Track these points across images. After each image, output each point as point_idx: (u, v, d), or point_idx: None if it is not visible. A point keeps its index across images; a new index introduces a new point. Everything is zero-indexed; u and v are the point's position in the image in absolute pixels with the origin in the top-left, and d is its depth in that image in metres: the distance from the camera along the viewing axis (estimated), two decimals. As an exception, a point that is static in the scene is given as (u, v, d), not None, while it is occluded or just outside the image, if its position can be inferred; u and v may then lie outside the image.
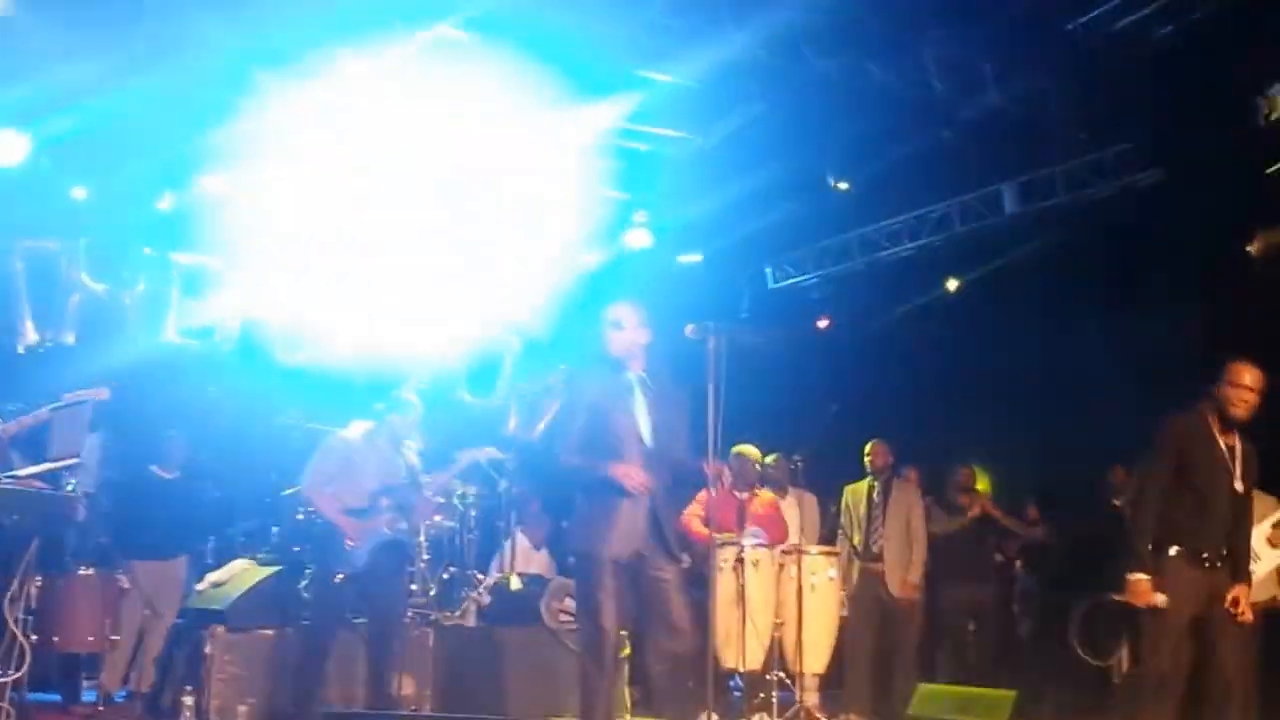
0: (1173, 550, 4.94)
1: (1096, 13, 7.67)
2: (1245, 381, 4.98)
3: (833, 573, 7.23)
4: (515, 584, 7.71)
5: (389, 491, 6.41)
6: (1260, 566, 5.56)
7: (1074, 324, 9.21)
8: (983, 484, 8.55)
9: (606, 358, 5.05)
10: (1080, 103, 8.49)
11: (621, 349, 5.02)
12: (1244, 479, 5.05)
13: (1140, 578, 4.87)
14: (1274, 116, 2.17)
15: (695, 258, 10.96)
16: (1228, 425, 5.05)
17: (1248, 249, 7.96)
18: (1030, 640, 8.39)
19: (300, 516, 7.30)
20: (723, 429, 4.97)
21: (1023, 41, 8.08)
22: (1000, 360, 9.50)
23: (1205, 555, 4.95)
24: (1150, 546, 4.94)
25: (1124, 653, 7.39)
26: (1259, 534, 5.48)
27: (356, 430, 6.57)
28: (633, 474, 4.80)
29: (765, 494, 7.62)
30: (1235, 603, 4.90)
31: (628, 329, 5.01)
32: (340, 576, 6.27)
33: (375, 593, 6.38)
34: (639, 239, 10.53)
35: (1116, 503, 7.59)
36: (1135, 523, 5.00)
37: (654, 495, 4.87)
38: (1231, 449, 5.06)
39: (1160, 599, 4.86)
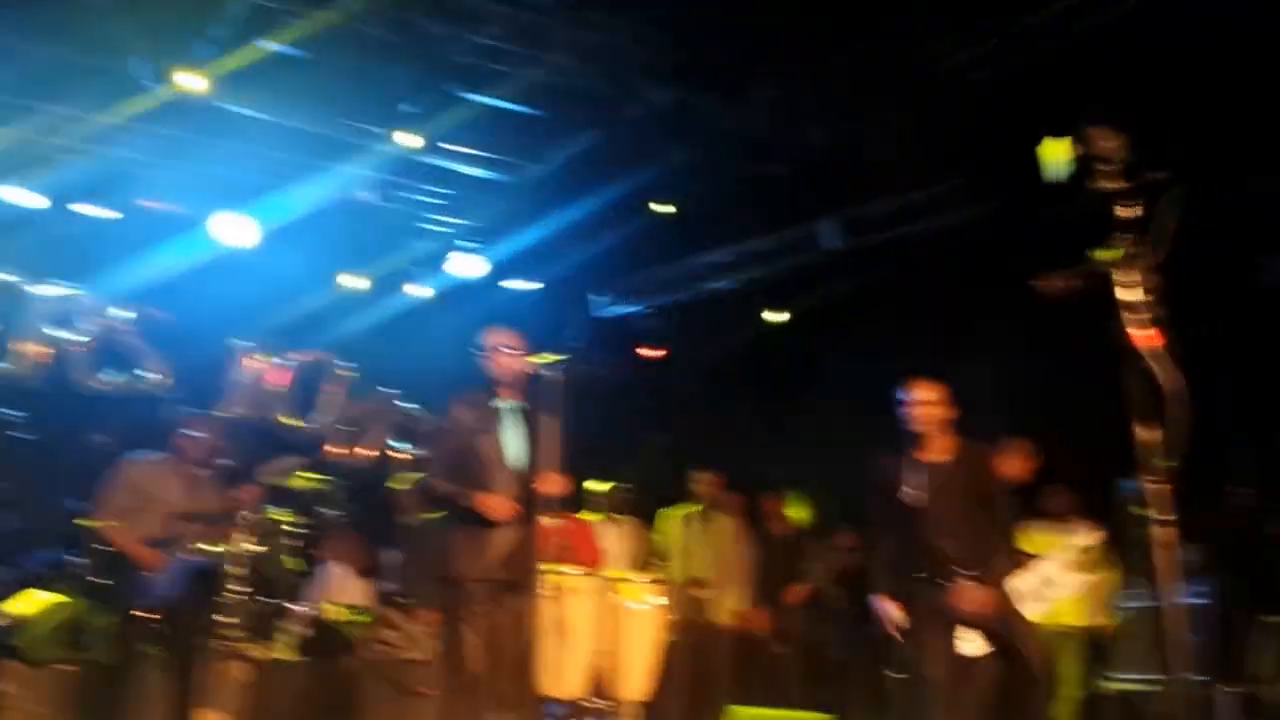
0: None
1: (924, 52, 7.99)
2: (917, 397, 5.16)
3: (656, 599, 7.28)
4: (333, 614, 7.50)
5: (195, 517, 6.16)
6: (1056, 591, 5.81)
7: (892, 359, 9.51)
8: (800, 511, 8.76)
9: (482, 384, 5.00)
10: (903, 141, 8.83)
11: (503, 375, 4.97)
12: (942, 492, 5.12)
13: (968, 585, 4.95)
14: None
15: (526, 285, 10.98)
16: (923, 444, 5.17)
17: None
18: (842, 663, 8.61)
19: (99, 546, 6.96)
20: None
21: (849, 79, 8.37)
22: (821, 393, 9.78)
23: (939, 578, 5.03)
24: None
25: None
26: (1057, 560, 5.72)
27: (153, 455, 6.31)
28: (497, 505, 4.77)
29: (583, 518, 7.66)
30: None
31: (510, 356, 4.98)
32: (141, 609, 5.98)
33: (178, 624, 6.12)
34: (468, 267, 10.50)
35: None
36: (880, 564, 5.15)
37: (523, 524, 4.84)
38: (936, 466, 5.14)
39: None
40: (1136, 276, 2.52)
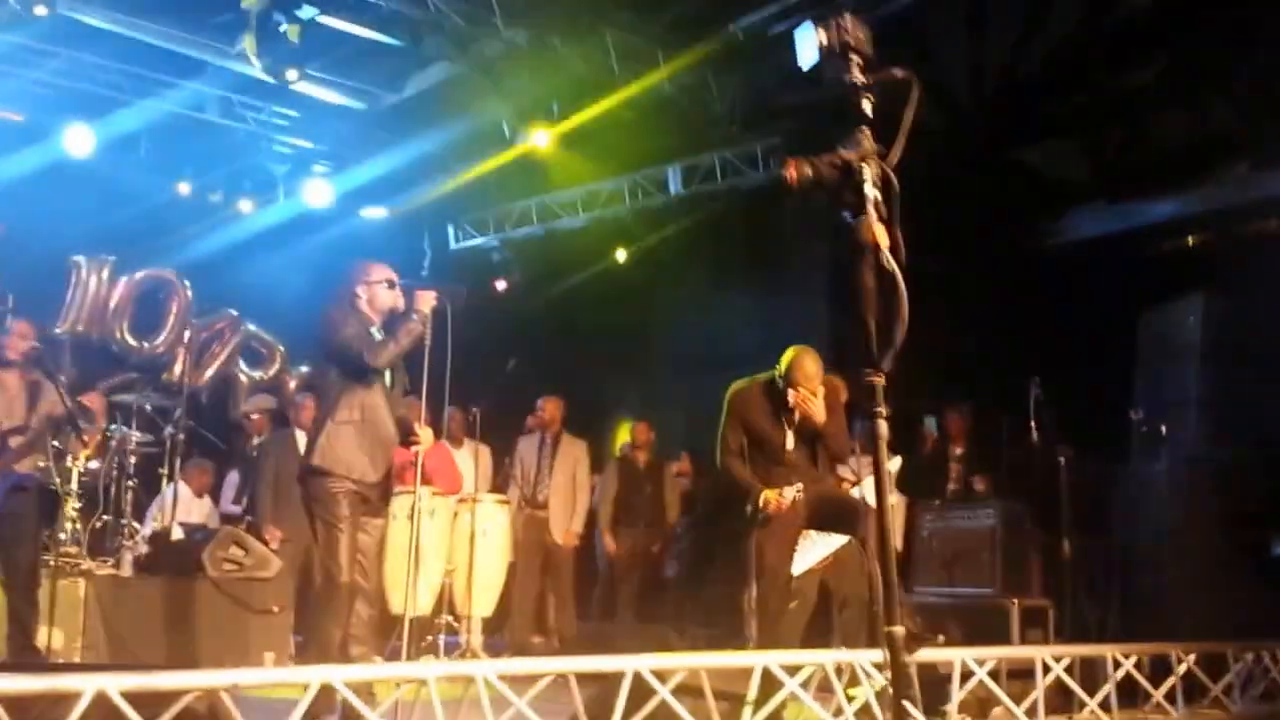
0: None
1: (755, 18, 8.45)
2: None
3: (503, 520, 7.60)
4: (176, 533, 7.55)
5: (18, 430, 6.02)
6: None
7: (724, 296, 10.07)
8: (642, 437, 9.22)
9: (359, 314, 5.09)
10: (735, 97, 9.32)
11: (385, 306, 5.10)
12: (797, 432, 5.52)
13: (766, 493, 5.35)
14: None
15: (379, 212, 11.05)
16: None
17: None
18: (677, 581, 9.15)
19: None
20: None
21: (690, 36, 8.76)
22: (662, 327, 10.27)
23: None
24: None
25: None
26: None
27: None
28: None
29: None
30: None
31: (394, 289, 5.11)
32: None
33: (6, 539, 6.00)
34: (320, 193, 10.50)
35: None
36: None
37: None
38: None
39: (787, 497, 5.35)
40: (876, 171, 2.50)
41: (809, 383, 5.40)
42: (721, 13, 8.58)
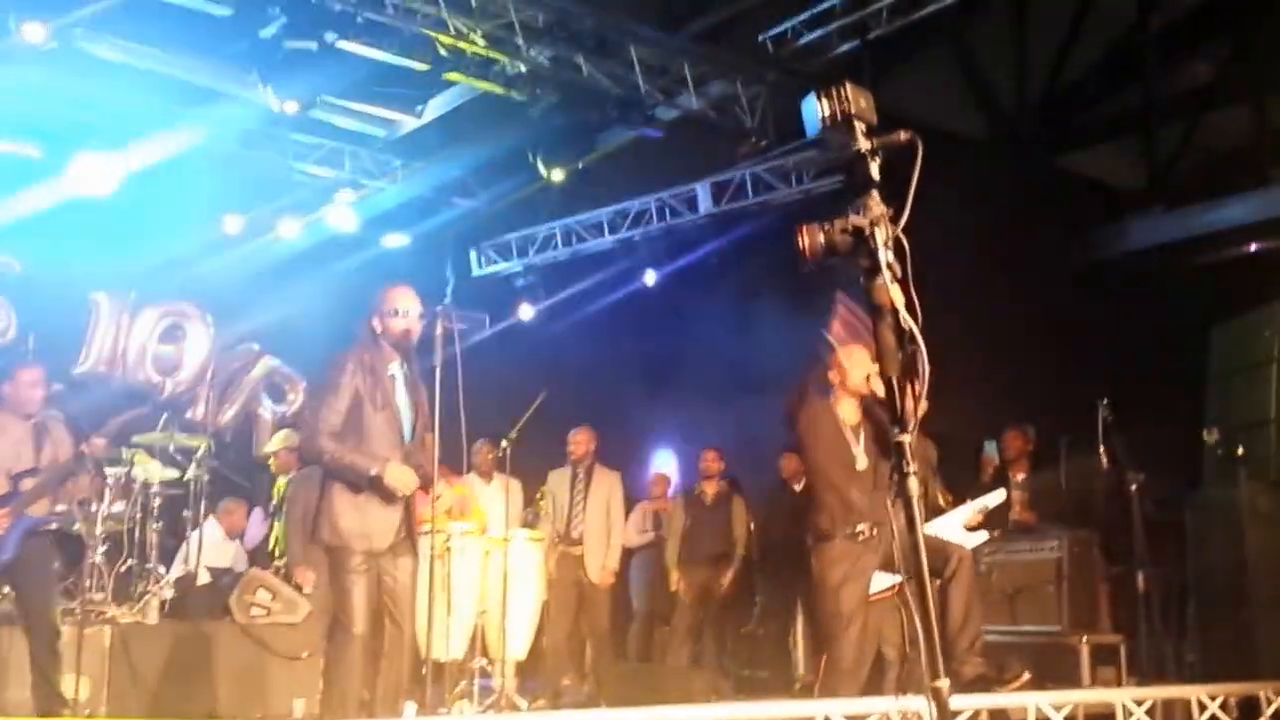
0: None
1: (784, 28, 8.17)
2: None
3: (536, 558, 7.32)
4: (203, 577, 7.32)
5: (29, 474, 5.83)
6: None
7: (760, 316, 9.74)
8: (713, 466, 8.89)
9: (374, 344, 4.86)
10: (767, 111, 9.02)
11: (397, 337, 4.86)
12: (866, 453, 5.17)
13: None
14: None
15: (401, 240, 10.80)
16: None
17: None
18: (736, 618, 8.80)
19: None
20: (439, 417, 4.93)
21: (717, 48, 8.49)
22: (697, 350, 9.94)
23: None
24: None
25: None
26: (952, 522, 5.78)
27: None
28: (403, 478, 4.69)
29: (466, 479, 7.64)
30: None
31: (407, 317, 4.86)
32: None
33: (24, 586, 5.79)
34: (342, 220, 10.27)
35: (796, 488, 8.14)
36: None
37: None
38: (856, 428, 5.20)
39: None
40: (887, 233, 2.58)
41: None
42: (749, 24, 8.30)
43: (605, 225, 10.59)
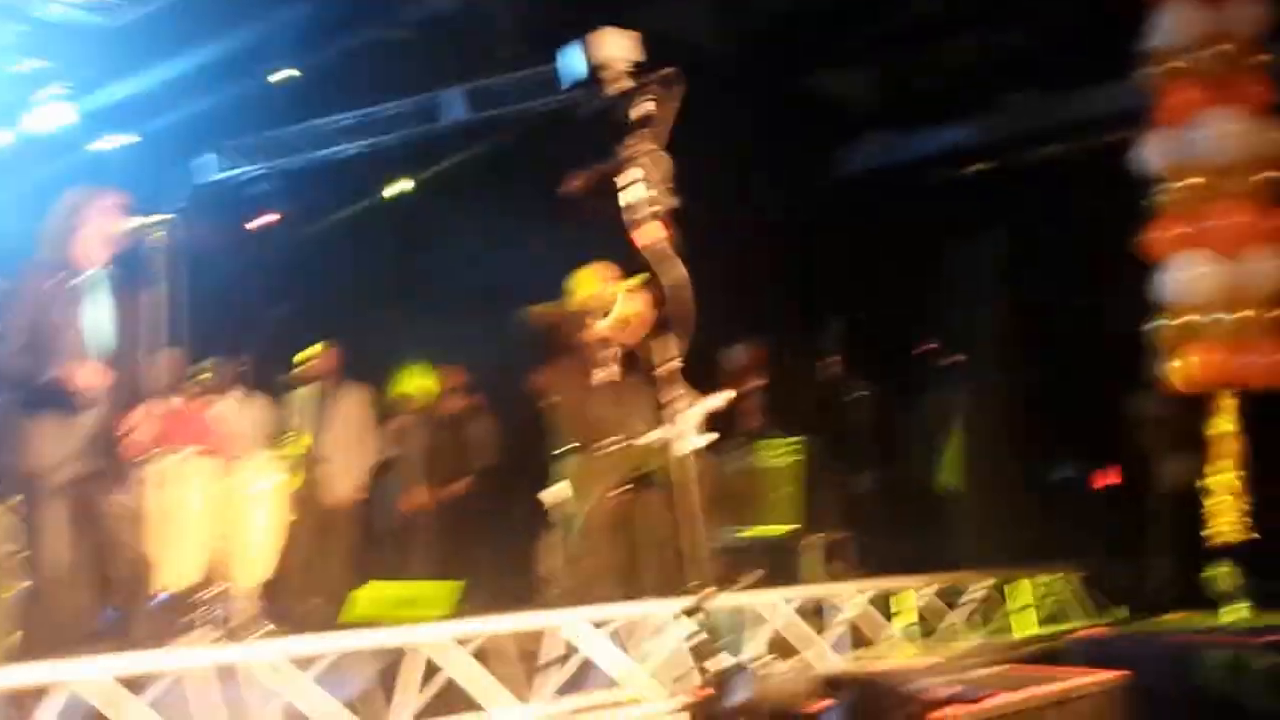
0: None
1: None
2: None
3: (277, 479, 7.08)
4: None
5: None
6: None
7: (514, 229, 9.63)
8: (425, 382, 8.76)
9: (61, 249, 4.49)
10: (526, 15, 8.82)
11: (90, 241, 4.49)
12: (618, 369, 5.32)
13: None
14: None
15: (124, 140, 10.04)
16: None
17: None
18: (475, 532, 8.82)
19: None
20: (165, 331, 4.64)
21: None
22: (448, 263, 9.74)
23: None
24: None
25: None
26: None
27: None
28: (85, 373, 4.34)
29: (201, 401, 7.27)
30: None
31: (93, 220, 4.49)
32: None
33: None
34: (56, 116, 9.44)
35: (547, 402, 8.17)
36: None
37: (105, 409, 4.45)
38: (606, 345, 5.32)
39: None
40: (638, 174, 2.64)
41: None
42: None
43: (353, 130, 10.13)
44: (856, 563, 6.64)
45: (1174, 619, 6.00)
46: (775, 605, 5.08)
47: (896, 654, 5.39)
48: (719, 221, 6.10)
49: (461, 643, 4.13)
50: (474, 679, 4.11)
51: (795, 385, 7.40)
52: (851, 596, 5.42)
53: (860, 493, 6.75)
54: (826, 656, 5.14)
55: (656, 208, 2.65)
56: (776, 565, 6.23)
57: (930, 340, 7.55)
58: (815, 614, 5.35)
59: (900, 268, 7.91)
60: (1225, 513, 5.61)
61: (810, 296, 7.44)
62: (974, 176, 8.84)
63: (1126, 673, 3.91)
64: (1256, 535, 5.59)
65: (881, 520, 7.00)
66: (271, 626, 6.88)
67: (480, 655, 4.22)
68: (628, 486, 5.27)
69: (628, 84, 2.66)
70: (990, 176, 8.81)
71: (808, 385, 7.24)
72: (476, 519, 8.67)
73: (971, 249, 7.70)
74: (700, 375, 6.19)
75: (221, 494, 6.72)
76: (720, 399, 5.93)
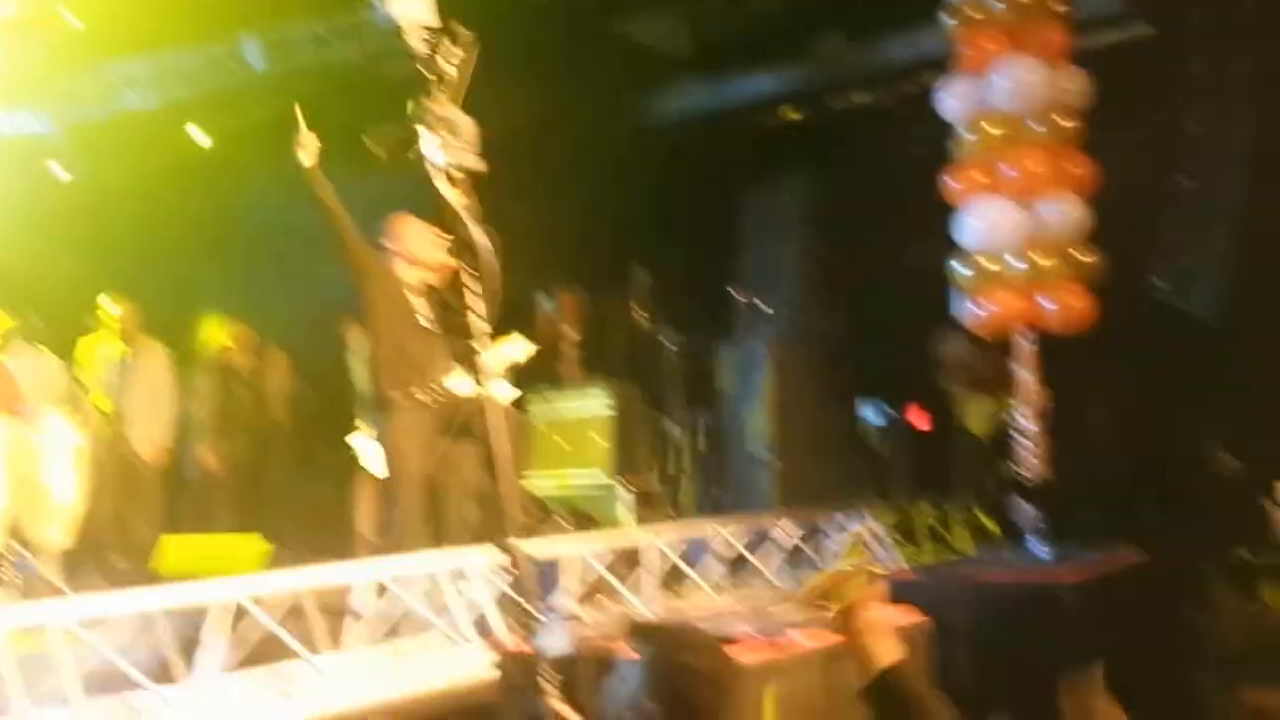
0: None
1: None
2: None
3: (76, 437, 6.77)
4: None
5: None
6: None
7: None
8: (221, 334, 8.47)
9: None
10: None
11: None
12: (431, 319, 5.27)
13: None
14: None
15: None
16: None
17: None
18: (282, 486, 8.60)
19: None
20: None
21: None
22: (251, 217, 9.38)
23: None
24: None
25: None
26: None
27: None
28: None
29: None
30: None
31: None
32: None
33: None
34: None
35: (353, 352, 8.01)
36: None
37: None
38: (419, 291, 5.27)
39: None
40: (436, 136, 2.65)
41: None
42: None
43: (147, 78, 9.59)
44: (670, 510, 6.70)
45: (975, 557, 6.26)
46: (587, 554, 5.09)
47: (707, 600, 5.43)
48: (528, 169, 6.05)
49: (267, 597, 4.07)
50: (283, 630, 4.05)
51: (607, 334, 7.41)
52: (663, 544, 5.45)
53: (673, 440, 6.81)
54: (638, 604, 5.17)
55: (457, 170, 2.63)
56: (589, 514, 6.24)
57: (740, 287, 7.60)
58: (629, 562, 5.37)
59: (710, 214, 7.93)
60: (1026, 453, 5.76)
61: (621, 245, 7.41)
62: (782, 123, 8.87)
63: (930, 613, 4.01)
64: (1054, 476, 5.75)
65: (694, 467, 7.07)
66: (72, 585, 6.62)
67: (290, 607, 4.15)
68: (440, 437, 5.21)
69: (423, 44, 2.64)
70: (798, 123, 8.86)
71: (620, 334, 7.24)
72: (283, 473, 8.47)
73: (780, 195, 7.78)
74: (512, 325, 6.19)
75: (16, 453, 6.40)
76: (529, 348, 5.93)
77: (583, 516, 6.13)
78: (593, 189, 8.14)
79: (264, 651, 4.08)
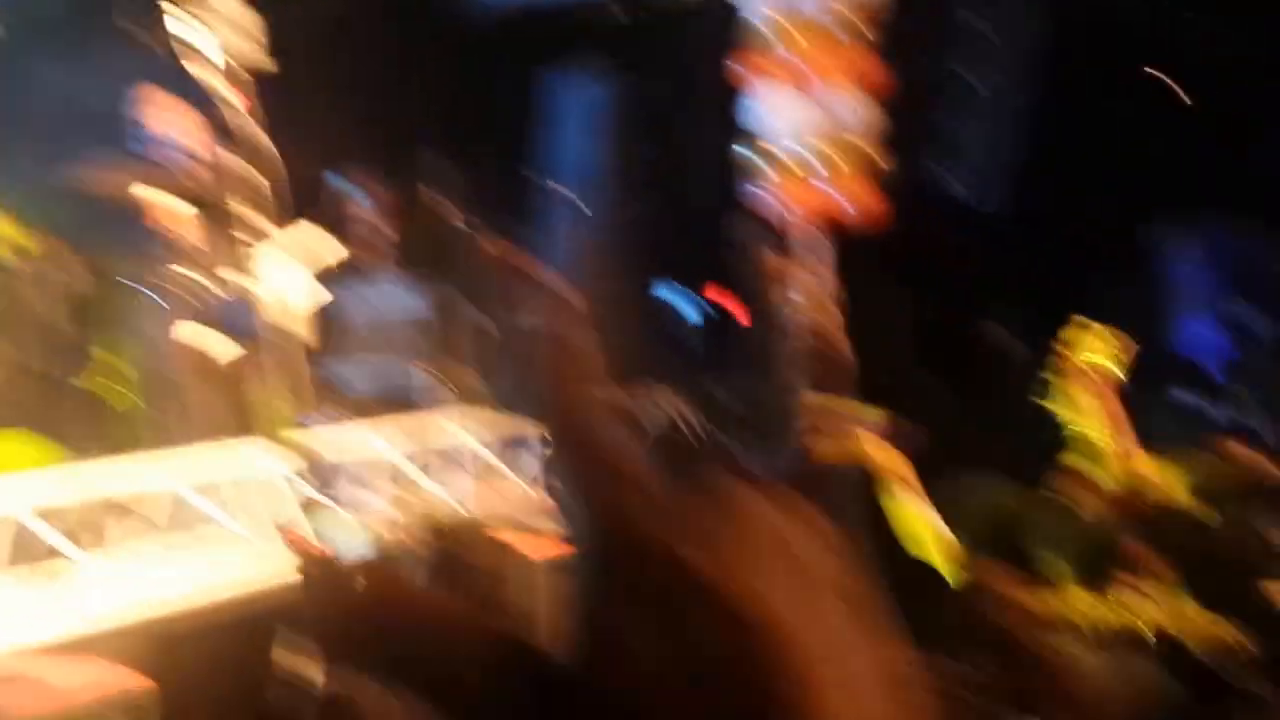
0: None
1: None
2: None
3: None
4: None
5: None
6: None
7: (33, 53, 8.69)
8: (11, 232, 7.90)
9: None
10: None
11: None
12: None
13: None
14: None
15: None
16: None
17: None
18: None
19: None
20: None
21: None
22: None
23: None
24: None
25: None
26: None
27: None
28: None
29: None
30: None
31: None
32: None
33: None
34: None
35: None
36: None
37: None
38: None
39: None
40: (202, 24, 2.81)
41: None
42: None
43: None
44: (488, 406, 6.66)
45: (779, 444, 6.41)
46: (395, 450, 5.02)
47: (522, 495, 5.38)
48: (322, 57, 5.77)
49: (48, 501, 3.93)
50: (60, 529, 3.91)
51: (411, 225, 7.23)
52: (477, 439, 5.42)
53: (490, 335, 6.74)
54: (452, 501, 5.08)
55: (234, 67, 2.76)
56: (398, 409, 6.15)
57: (541, 175, 7.54)
58: (444, 458, 5.32)
59: (516, 103, 7.79)
60: (822, 343, 5.88)
61: (424, 134, 7.20)
62: (585, 17, 8.75)
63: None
64: (852, 362, 5.88)
65: (505, 361, 7.02)
66: None
67: (72, 507, 4.02)
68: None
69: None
70: (599, 10, 8.75)
71: (425, 225, 7.08)
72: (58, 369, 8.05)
73: (579, 82, 7.69)
74: (320, 222, 5.98)
75: None
76: (338, 248, 5.75)
77: (398, 408, 6.04)
78: (394, 76, 7.87)
79: (37, 550, 3.91)
